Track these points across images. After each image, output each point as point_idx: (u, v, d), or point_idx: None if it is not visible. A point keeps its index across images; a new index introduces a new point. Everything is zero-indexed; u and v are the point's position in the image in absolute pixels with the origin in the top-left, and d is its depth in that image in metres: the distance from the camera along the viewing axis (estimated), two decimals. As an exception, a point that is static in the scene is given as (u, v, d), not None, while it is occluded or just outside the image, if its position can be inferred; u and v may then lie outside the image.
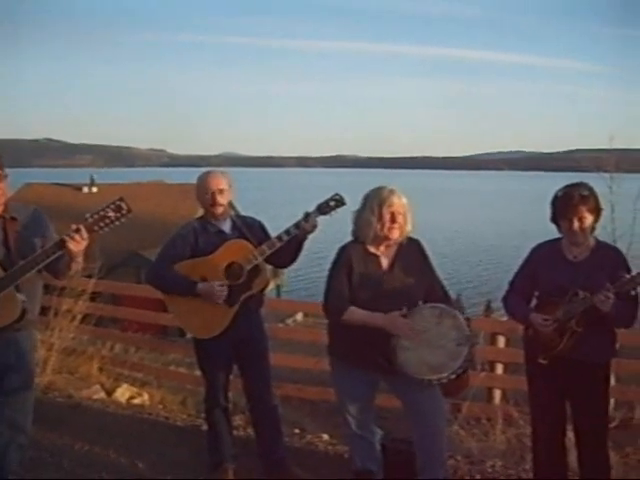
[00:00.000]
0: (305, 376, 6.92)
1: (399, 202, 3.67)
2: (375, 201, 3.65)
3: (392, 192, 3.68)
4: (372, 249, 3.73)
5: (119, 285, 8.37)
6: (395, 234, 3.69)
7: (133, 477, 4.25)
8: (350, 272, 3.69)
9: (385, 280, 3.71)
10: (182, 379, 7.26)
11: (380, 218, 3.64)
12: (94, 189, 35.68)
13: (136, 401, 6.50)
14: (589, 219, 3.55)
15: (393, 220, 3.66)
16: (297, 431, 5.44)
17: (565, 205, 3.55)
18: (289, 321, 22.39)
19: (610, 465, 3.77)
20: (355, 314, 3.63)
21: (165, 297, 4.17)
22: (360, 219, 3.71)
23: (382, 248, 3.74)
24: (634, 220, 9.79)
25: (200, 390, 6.36)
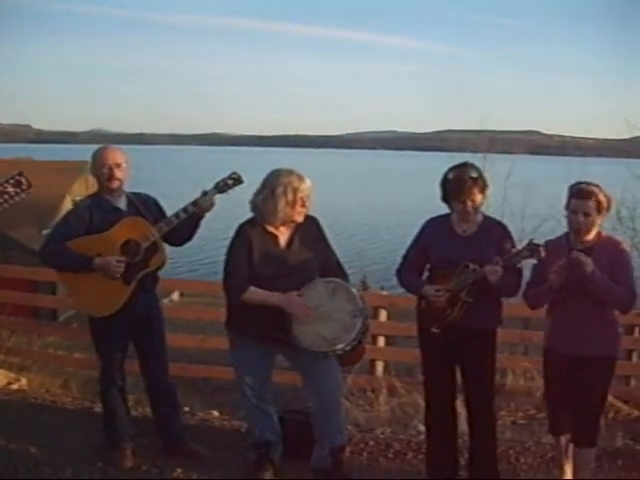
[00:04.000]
0: (183, 354, 6.92)
1: (307, 186, 3.77)
2: (289, 188, 3.71)
3: (301, 178, 3.77)
4: (271, 228, 3.81)
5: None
6: (302, 217, 3.81)
7: (26, 463, 4.13)
8: (250, 251, 3.76)
9: (284, 258, 3.80)
10: (63, 362, 7.05)
11: (293, 205, 3.72)
12: (-47, 165, 33.57)
13: (14, 387, 6.26)
14: (479, 198, 3.77)
15: (303, 205, 3.77)
16: (187, 409, 5.45)
17: (458, 189, 3.74)
18: (165, 300, 22.04)
19: (496, 426, 4.05)
20: (254, 294, 3.72)
21: (59, 276, 4.07)
22: (267, 204, 3.74)
23: (281, 227, 3.82)
24: (504, 198, 10.48)
25: (82, 373, 6.23)
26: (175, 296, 23.38)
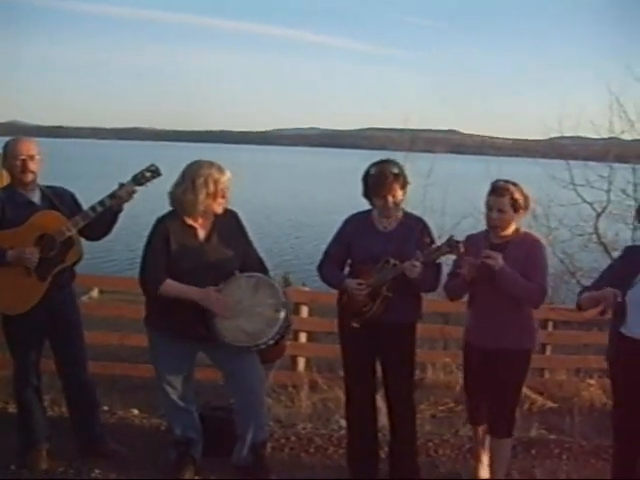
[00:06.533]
0: (103, 353, 6.77)
1: (227, 178, 3.75)
2: (210, 179, 3.68)
3: (221, 169, 3.74)
4: (190, 221, 3.77)
5: None
6: (222, 209, 3.78)
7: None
8: (168, 244, 3.71)
9: (203, 251, 3.77)
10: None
11: (214, 196, 3.70)
12: None
13: None
14: (400, 194, 3.83)
15: (223, 196, 3.74)
16: (106, 408, 5.34)
17: (379, 184, 3.79)
18: (85, 297, 21.40)
19: (415, 419, 4.11)
20: (171, 288, 3.67)
21: None
22: (187, 195, 3.69)
23: (200, 220, 3.79)
24: (425, 196, 10.78)
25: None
26: (95, 293, 22.76)
